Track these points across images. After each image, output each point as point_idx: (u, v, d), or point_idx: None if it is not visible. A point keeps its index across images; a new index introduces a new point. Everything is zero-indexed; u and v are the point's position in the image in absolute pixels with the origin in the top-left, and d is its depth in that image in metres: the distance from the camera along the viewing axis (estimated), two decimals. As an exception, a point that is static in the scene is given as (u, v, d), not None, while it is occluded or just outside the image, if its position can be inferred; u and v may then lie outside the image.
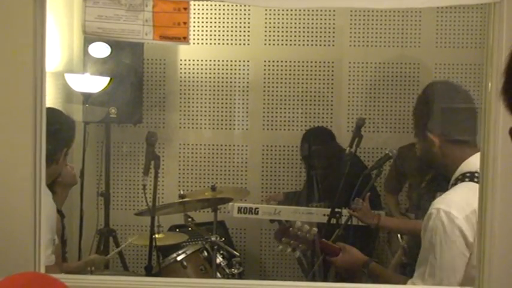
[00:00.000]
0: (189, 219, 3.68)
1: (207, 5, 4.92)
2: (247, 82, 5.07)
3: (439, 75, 4.88)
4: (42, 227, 2.01)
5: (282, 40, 5.02)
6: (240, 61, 5.05)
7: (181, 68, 5.07)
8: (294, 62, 5.02)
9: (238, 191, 4.63)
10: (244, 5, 4.81)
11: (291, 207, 4.19)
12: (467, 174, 2.41)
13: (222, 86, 5.06)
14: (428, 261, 2.25)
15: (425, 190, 3.42)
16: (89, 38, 4.37)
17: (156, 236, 3.47)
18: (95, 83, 4.34)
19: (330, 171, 4.24)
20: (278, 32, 5.01)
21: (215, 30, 5.03)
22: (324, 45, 5.00)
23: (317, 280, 3.36)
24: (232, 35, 5.04)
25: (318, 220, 3.85)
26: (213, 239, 3.65)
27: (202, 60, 5.06)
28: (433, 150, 2.49)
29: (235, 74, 5.06)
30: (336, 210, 3.49)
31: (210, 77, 5.06)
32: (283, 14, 4.98)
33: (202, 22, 5.01)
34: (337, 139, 4.62)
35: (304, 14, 4.96)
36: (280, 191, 4.95)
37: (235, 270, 3.68)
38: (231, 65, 5.06)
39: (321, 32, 4.98)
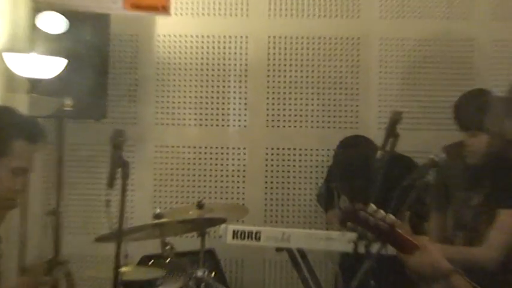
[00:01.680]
0: (167, 247, 3.59)
1: (192, -36, 4.96)
2: (246, 65, 5.03)
3: (497, 56, 4.87)
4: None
5: (291, 10, 5.01)
6: (236, 37, 5.03)
7: (159, 47, 5.05)
8: (307, 38, 4.99)
9: (234, 208, 4.54)
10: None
11: (303, 230, 4.13)
12: None
13: (213, 70, 5.03)
14: None
15: (479, 207, 3.38)
16: (38, 7, 4.36)
17: (123, 269, 3.34)
18: (45, 66, 4.28)
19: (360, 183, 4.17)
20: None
21: (204, -3, 5.06)
22: (347, 16, 5.00)
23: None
24: (226, 3, 5.03)
25: (341, 248, 3.81)
26: (200, 274, 3.57)
27: (186, 37, 5.04)
28: None
29: (230, 54, 5.03)
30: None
31: (196, 59, 5.03)
32: (293, -24, 4.99)
33: (187, -14, 5.03)
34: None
35: (320, -24, 4.98)
36: (289, 210, 4.94)
37: (229, 316, 3.64)
38: (225, 43, 5.03)
39: (342, 0, 4.98)
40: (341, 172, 4.20)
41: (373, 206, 2.57)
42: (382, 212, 2.56)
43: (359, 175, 4.09)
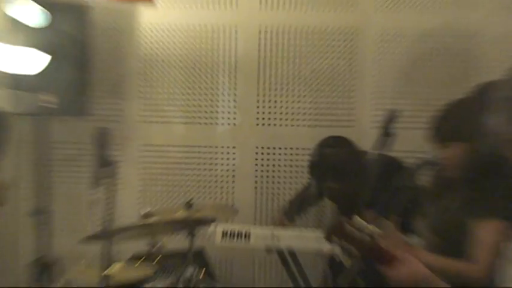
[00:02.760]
0: (157, 245, 3.71)
1: (179, -48, 4.96)
2: (235, 59, 5.08)
3: (503, 51, 4.91)
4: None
5: (284, 1, 5.05)
6: (225, 29, 5.08)
7: (143, 40, 5.10)
8: (300, 30, 5.04)
9: (223, 209, 4.62)
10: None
11: (293, 231, 4.27)
12: None
13: (200, 65, 5.08)
14: None
15: (458, 213, 3.51)
16: None
17: (113, 267, 3.52)
18: (24, 60, 4.35)
19: (350, 184, 4.30)
20: (278, -11, 5.05)
21: (191, -13, 5.06)
22: (342, 8, 5.05)
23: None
24: None
25: (330, 250, 3.95)
26: (189, 273, 3.67)
27: (172, 29, 5.08)
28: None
29: (218, 47, 5.07)
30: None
31: (183, 52, 5.08)
32: (285, -34, 5.02)
33: (173, -24, 5.04)
34: (359, 138, 4.62)
35: (314, -34, 5.00)
36: (279, 211, 4.91)
37: (220, 317, 3.71)
38: (213, 34, 5.07)
39: None
40: (321, 174, 4.29)
41: (358, 218, 2.76)
42: (366, 224, 2.75)
43: (339, 177, 4.25)
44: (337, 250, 2.80)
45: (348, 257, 2.79)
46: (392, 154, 3.63)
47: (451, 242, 3.45)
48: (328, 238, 2.79)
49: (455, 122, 3.42)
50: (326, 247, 3.99)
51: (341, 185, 4.26)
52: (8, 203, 3.45)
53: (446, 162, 3.41)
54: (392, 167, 4.06)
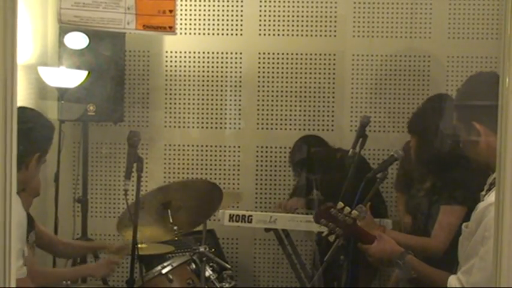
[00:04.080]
0: (175, 228, 3.61)
1: (195, -9, 4.95)
2: (240, 76, 5.09)
3: (452, 69, 4.92)
4: (13, 236, 2.00)
5: (279, 30, 5.04)
6: (232, 53, 5.07)
7: (166, 61, 5.10)
8: (292, 54, 5.04)
9: (230, 195, 4.64)
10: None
11: (288, 214, 4.25)
12: None
13: (212, 81, 5.09)
14: (478, 255, 2.30)
15: (423, 200, 3.54)
16: (64, 27, 4.38)
17: (139, 246, 3.41)
18: (72, 77, 4.36)
19: (329, 177, 4.27)
20: (274, 21, 5.03)
21: (204, 19, 5.05)
22: (325, 35, 5.03)
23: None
24: (223, 24, 5.06)
25: (318, 229, 3.76)
26: (202, 249, 3.61)
27: (190, 52, 5.08)
28: (478, 142, 2.48)
29: (226, 67, 5.08)
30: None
31: (198, 71, 5.08)
32: (279, 1, 5.01)
33: (190, 10, 5.03)
34: (339, 139, 4.72)
35: (303, 1, 5.00)
36: (276, 197, 4.99)
37: (227, 285, 3.66)
38: (222, 58, 5.08)
39: (321, 21, 5.00)
40: (304, 166, 4.39)
41: (341, 204, 2.76)
42: (348, 208, 2.76)
43: (319, 170, 4.26)
44: (324, 229, 2.79)
45: (333, 236, 2.78)
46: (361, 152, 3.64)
47: (419, 222, 3.52)
48: (317, 220, 2.79)
49: (415, 117, 3.68)
50: (315, 227, 3.89)
51: (320, 176, 4.27)
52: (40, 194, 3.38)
53: (412, 151, 3.52)
54: (363, 162, 4.10)
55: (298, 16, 5.01)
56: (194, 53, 5.08)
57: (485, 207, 2.31)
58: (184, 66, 5.09)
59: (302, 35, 5.03)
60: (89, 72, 4.41)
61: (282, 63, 5.05)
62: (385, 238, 2.76)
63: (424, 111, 3.81)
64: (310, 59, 5.03)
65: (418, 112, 3.88)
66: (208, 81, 5.08)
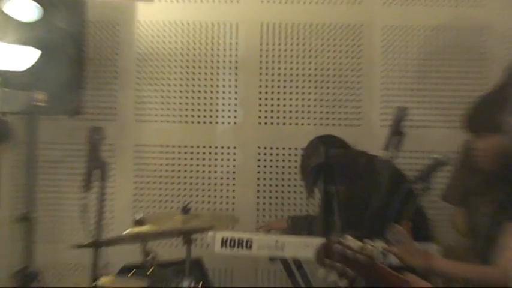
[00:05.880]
0: (150, 256, 3.56)
1: None
2: (236, 55, 5.05)
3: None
4: None
5: None
6: (225, 24, 5.05)
7: (140, 35, 5.07)
8: (304, 25, 5.01)
9: (222, 216, 4.59)
10: None
11: (298, 238, 4.07)
12: None
13: (200, 62, 5.05)
14: None
15: (490, 217, 3.40)
16: None
17: (102, 280, 3.39)
18: (16, 57, 4.32)
19: (354, 188, 4.19)
20: (280, -17, 5.03)
21: (189, -20, 5.04)
22: (347, 2, 5.02)
23: None
24: None
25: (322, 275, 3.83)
26: (186, 285, 3.57)
27: (170, 24, 5.06)
28: None
29: (218, 43, 5.05)
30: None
31: (181, 48, 5.05)
32: (287, -43, 5.00)
33: (171, -32, 5.03)
34: (367, 137, 4.71)
35: (318, -43, 4.98)
36: (284, 215, 4.92)
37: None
38: (213, 30, 5.05)
39: None
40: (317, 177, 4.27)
41: (348, 237, 2.64)
42: (358, 242, 2.64)
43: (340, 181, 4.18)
44: (331, 274, 2.67)
45: (345, 280, 2.66)
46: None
47: (480, 245, 3.36)
48: (320, 262, 2.68)
49: (489, 112, 3.31)
50: None
51: (342, 189, 4.18)
52: None
53: (478, 154, 3.31)
54: (395, 170, 3.97)
55: (312, -24, 4.99)
56: (176, 24, 5.06)
57: None
58: (164, 42, 5.06)
59: (317, 2, 5.03)
60: (39, 51, 4.36)
61: (292, 37, 5.02)
62: (419, 284, 2.67)
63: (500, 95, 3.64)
64: (329, 32, 5.01)
65: (488, 99, 3.71)
66: (194, 61, 5.05)
